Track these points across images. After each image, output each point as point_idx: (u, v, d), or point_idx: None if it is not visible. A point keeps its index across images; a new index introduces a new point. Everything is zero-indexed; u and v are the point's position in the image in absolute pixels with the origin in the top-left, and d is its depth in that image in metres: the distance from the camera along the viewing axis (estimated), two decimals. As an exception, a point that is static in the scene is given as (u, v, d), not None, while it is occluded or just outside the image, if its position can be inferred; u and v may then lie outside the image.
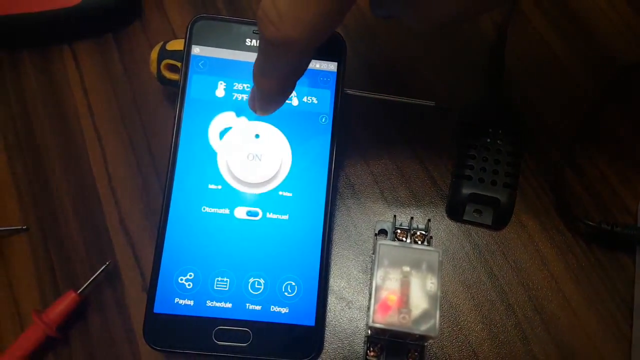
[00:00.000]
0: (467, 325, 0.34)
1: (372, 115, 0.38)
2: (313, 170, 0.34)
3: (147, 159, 0.38)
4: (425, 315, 0.26)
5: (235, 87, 0.34)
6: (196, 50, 0.34)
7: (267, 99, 0.25)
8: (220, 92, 0.34)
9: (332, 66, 0.35)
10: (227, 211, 0.33)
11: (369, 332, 0.30)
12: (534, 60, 0.40)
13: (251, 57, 0.34)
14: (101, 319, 0.34)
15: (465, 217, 0.35)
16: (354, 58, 0.39)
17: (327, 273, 0.34)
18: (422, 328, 0.26)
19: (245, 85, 0.34)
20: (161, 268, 0.32)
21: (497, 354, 0.33)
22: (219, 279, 0.32)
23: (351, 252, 0.35)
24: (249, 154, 0.34)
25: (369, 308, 0.31)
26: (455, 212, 0.35)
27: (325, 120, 0.34)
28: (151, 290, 0.32)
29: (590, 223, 0.34)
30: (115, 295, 0.35)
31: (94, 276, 0.34)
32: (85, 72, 0.40)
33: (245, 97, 0.34)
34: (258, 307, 0.32)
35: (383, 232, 0.35)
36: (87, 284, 0.34)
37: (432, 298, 0.27)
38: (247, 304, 0.32)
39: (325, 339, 0.33)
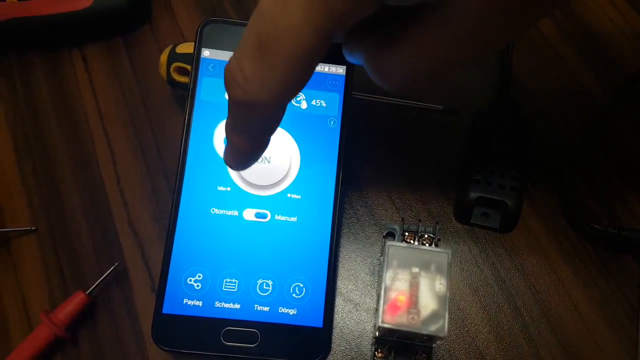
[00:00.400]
0: (474, 328, 0.34)
1: (380, 119, 0.39)
2: (321, 173, 0.34)
3: (156, 160, 0.38)
4: (434, 316, 0.27)
5: (244, 90, 0.35)
6: (206, 53, 0.35)
7: (242, 155, 0.25)
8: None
9: (340, 70, 0.35)
10: (236, 213, 0.33)
11: (377, 333, 0.30)
12: (542, 66, 0.40)
13: (261, 60, 0.35)
14: (109, 320, 0.35)
15: (472, 221, 0.35)
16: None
17: (335, 275, 0.34)
18: (431, 328, 0.26)
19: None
20: (170, 269, 0.32)
21: (503, 357, 0.33)
22: (228, 280, 0.32)
23: (359, 254, 0.36)
24: (258, 156, 0.34)
25: (377, 309, 0.31)
26: (462, 215, 0.36)
27: (334, 124, 0.35)
28: (160, 291, 0.32)
29: (597, 227, 0.34)
30: (124, 296, 0.35)
31: (103, 277, 0.34)
32: (95, 74, 0.40)
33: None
34: (266, 309, 0.32)
35: (391, 234, 0.35)
36: (95, 284, 0.34)
37: (441, 299, 0.27)
38: (256, 305, 0.32)
39: (333, 340, 0.34)
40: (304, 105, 0.35)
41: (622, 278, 0.35)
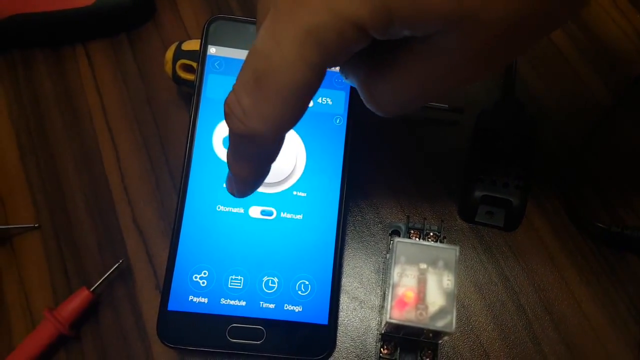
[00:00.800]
0: (479, 326, 0.34)
1: (385, 118, 0.38)
2: (327, 171, 0.34)
3: (160, 157, 0.38)
4: (441, 312, 0.27)
5: (250, 87, 0.35)
6: (212, 50, 0.35)
7: (243, 183, 0.25)
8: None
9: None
10: (241, 210, 0.33)
11: (384, 329, 0.30)
12: (546, 66, 0.40)
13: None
14: (113, 317, 0.34)
15: (477, 219, 0.36)
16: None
17: (340, 272, 0.34)
18: (439, 324, 0.27)
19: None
20: (176, 266, 0.32)
21: (508, 354, 0.33)
22: (233, 277, 0.32)
23: (363, 252, 0.36)
24: (263, 154, 0.34)
25: (383, 306, 0.31)
26: (467, 214, 0.36)
27: (340, 122, 0.35)
28: (165, 288, 0.32)
29: (601, 225, 0.35)
30: (128, 293, 0.35)
31: (107, 274, 0.34)
32: (99, 71, 0.40)
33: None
34: (272, 306, 0.32)
35: (396, 232, 0.35)
36: (99, 281, 0.34)
37: (448, 295, 0.27)
38: (261, 302, 0.32)
39: (338, 337, 0.34)
40: (310, 102, 0.35)
41: (625, 276, 0.35)
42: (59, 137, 0.39)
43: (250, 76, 0.20)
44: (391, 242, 0.28)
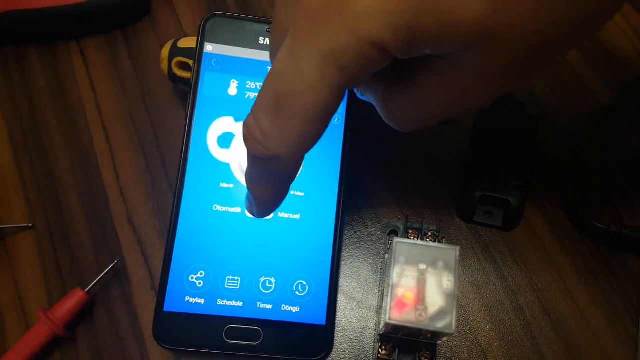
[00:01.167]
0: (477, 326, 0.34)
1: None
2: (325, 171, 0.34)
3: (156, 157, 0.38)
4: (441, 312, 0.27)
5: (247, 86, 0.34)
6: (209, 47, 0.34)
7: (263, 205, 0.26)
8: (232, 90, 0.34)
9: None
10: (238, 210, 0.33)
11: (383, 329, 0.30)
12: (546, 66, 0.40)
13: (264, 55, 0.34)
14: (108, 318, 0.34)
15: (475, 219, 0.35)
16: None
17: (338, 273, 0.34)
18: (439, 325, 0.26)
19: (258, 84, 0.34)
20: (172, 266, 0.32)
21: (506, 354, 0.33)
22: (230, 277, 0.32)
23: (361, 252, 0.35)
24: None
25: (381, 307, 0.31)
26: (465, 214, 0.36)
27: (338, 121, 0.34)
28: (161, 289, 0.32)
29: (599, 225, 0.34)
30: (123, 294, 0.34)
31: (102, 274, 0.34)
32: (93, 68, 0.40)
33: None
34: (269, 306, 0.32)
35: (394, 232, 0.35)
36: (94, 282, 0.34)
37: (448, 296, 0.27)
38: (258, 303, 0.32)
39: (335, 338, 0.33)
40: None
41: (623, 276, 0.35)
42: (53, 135, 0.38)
43: (270, 99, 0.20)
44: (390, 242, 0.28)
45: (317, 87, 0.19)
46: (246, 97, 0.34)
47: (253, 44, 0.34)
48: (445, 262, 0.27)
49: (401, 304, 0.27)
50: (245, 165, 0.33)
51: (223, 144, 0.34)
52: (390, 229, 0.35)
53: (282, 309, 0.32)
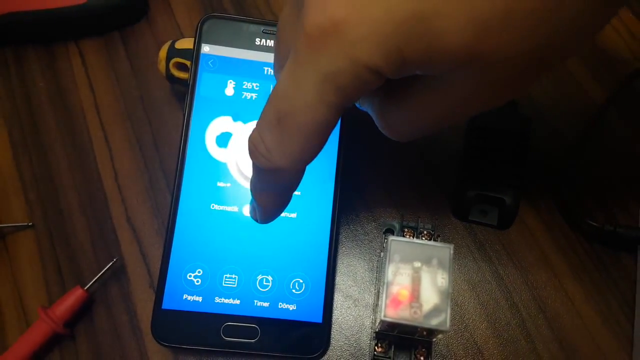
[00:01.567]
0: (472, 324, 0.34)
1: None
2: (321, 169, 0.34)
3: (153, 156, 0.38)
4: (436, 310, 0.27)
5: (244, 86, 0.35)
6: (206, 48, 0.35)
7: (267, 212, 0.27)
8: (229, 90, 0.35)
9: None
10: (235, 209, 0.33)
11: (379, 327, 0.30)
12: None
13: (261, 56, 0.35)
14: (107, 316, 0.34)
15: (470, 217, 0.36)
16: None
17: (334, 271, 0.34)
18: (434, 322, 0.27)
19: (255, 84, 0.35)
20: (170, 264, 0.32)
21: (501, 352, 0.33)
22: (228, 275, 0.32)
23: (357, 250, 0.36)
24: (258, 152, 0.34)
25: (377, 304, 0.31)
26: (460, 212, 0.36)
27: (334, 120, 0.35)
28: (159, 287, 0.32)
29: (594, 224, 0.35)
30: (122, 292, 0.35)
31: (101, 273, 0.34)
32: (92, 69, 0.40)
33: (254, 95, 0.35)
34: (266, 304, 0.32)
35: (390, 231, 0.35)
36: (93, 280, 0.34)
37: (442, 293, 0.27)
38: (255, 301, 0.32)
39: (332, 335, 0.34)
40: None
41: (617, 274, 0.35)
42: (52, 136, 0.38)
43: (273, 116, 0.22)
44: (385, 240, 0.28)
45: (316, 106, 0.21)
46: (243, 97, 0.35)
47: (250, 45, 0.35)
48: (439, 259, 0.28)
49: (396, 302, 0.27)
50: (242, 165, 0.34)
51: (220, 143, 0.34)
52: (386, 227, 0.35)
53: (279, 306, 0.32)
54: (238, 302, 0.32)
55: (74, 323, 0.34)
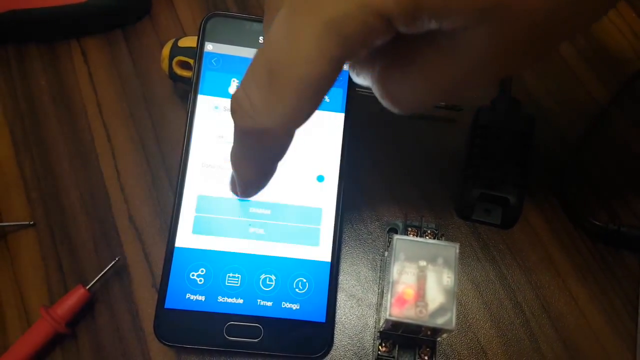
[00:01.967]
0: (476, 323, 0.34)
1: (383, 115, 0.38)
2: (324, 168, 0.34)
3: (156, 155, 0.38)
4: (441, 309, 0.27)
5: (248, 84, 0.34)
6: (209, 47, 0.34)
7: (248, 184, 0.25)
8: (233, 89, 0.34)
9: (345, 65, 0.35)
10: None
11: (383, 326, 0.30)
12: (544, 64, 0.40)
13: (264, 54, 0.35)
14: (109, 315, 0.34)
15: (474, 217, 0.36)
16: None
17: (338, 270, 0.34)
18: (439, 321, 0.26)
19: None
20: (173, 263, 0.32)
21: (505, 351, 0.33)
22: (231, 275, 0.32)
23: (361, 250, 0.36)
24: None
25: (381, 304, 0.31)
26: (464, 211, 0.36)
27: (337, 119, 0.35)
28: (162, 286, 0.32)
29: (597, 223, 0.35)
30: (124, 291, 0.35)
31: (103, 272, 0.34)
32: (94, 67, 0.40)
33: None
34: (269, 303, 0.32)
35: (393, 230, 0.35)
36: (96, 279, 0.34)
37: (448, 292, 0.27)
38: (259, 300, 0.32)
39: (335, 335, 0.33)
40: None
41: (621, 273, 0.35)
42: (54, 134, 0.38)
43: (263, 70, 0.19)
44: (390, 239, 0.28)
45: (314, 58, 0.18)
46: (247, 95, 0.34)
47: (253, 43, 0.35)
48: (445, 259, 0.28)
49: (401, 301, 0.27)
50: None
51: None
52: (390, 227, 0.35)
53: (283, 306, 0.32)
54: (241, 301, 0.32)
55: (76, 322, 0.34)
